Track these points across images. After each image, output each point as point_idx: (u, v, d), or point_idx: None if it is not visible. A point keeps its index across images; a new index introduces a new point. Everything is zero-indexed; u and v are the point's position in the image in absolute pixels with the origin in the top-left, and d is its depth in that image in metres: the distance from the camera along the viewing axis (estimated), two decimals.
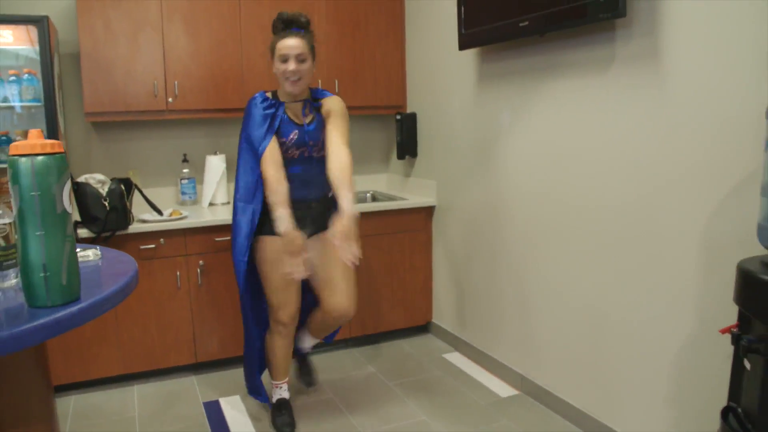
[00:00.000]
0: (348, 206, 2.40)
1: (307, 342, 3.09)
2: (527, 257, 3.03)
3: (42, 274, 1.17)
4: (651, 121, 2.27)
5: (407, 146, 3.97)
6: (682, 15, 2.11)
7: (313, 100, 2.70)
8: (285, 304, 2.71)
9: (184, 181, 3.73)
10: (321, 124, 2.67)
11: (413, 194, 3.99)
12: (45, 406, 1.45)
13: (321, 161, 2.64)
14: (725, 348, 1.79)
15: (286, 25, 2.57)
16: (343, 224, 2.37)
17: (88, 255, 1.53)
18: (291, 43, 2.51)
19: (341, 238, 2.35)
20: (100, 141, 3.65)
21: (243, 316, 2.83)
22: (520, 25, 2.65)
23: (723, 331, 1.77)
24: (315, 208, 2.70)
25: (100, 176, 3.18)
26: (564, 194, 2.74)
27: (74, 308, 1.17)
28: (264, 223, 2.64)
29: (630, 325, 2.48)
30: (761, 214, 1.66)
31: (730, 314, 1.81)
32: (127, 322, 3.22)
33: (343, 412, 2.99)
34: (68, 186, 1.24)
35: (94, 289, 1.29)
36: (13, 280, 1.27)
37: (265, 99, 2.65)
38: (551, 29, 2.54)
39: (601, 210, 2.55)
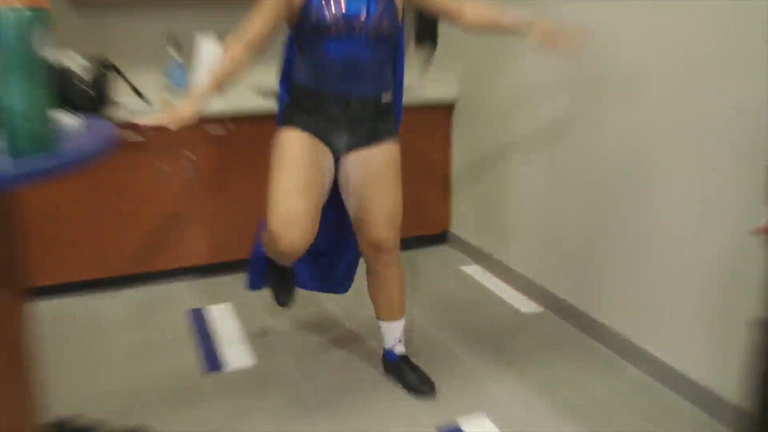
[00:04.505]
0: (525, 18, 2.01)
1: (387, 336, 2.36)
2: (559, 156, 2.67)
3: (24, 123, 1.22)
4: None
5: (426, 32, 3.52)
6: None
7: None
8: (287, 215, 1.98)
9: (172, 66, 3.34)
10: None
11: (430, 89, 3.57)
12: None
13: (379, 45, 2.00)
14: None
15: None
16: (541, 30, 2.03)
17: (71, 122, 1.57)
18: None
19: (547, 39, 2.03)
20: (79, 18, 3.27)
21: None
22: None
23: (759, 231, 1.65)
24: (357, 109, 2.05)
25: (81, 60, 2.86)
26: (598, 78, 2.33)
27: (53, 159, 1.24)
28: (287, 113, 2.12)
29: (662, 233, 2.19)
30: None
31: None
32: (110, 220, 2.97)
33: (344, 325, 2.74)
34: (50, 40, 1.27)
35: (75, 146, 1.35)
36: None
37: None
38: None
39: (635, 96, 2.15)
